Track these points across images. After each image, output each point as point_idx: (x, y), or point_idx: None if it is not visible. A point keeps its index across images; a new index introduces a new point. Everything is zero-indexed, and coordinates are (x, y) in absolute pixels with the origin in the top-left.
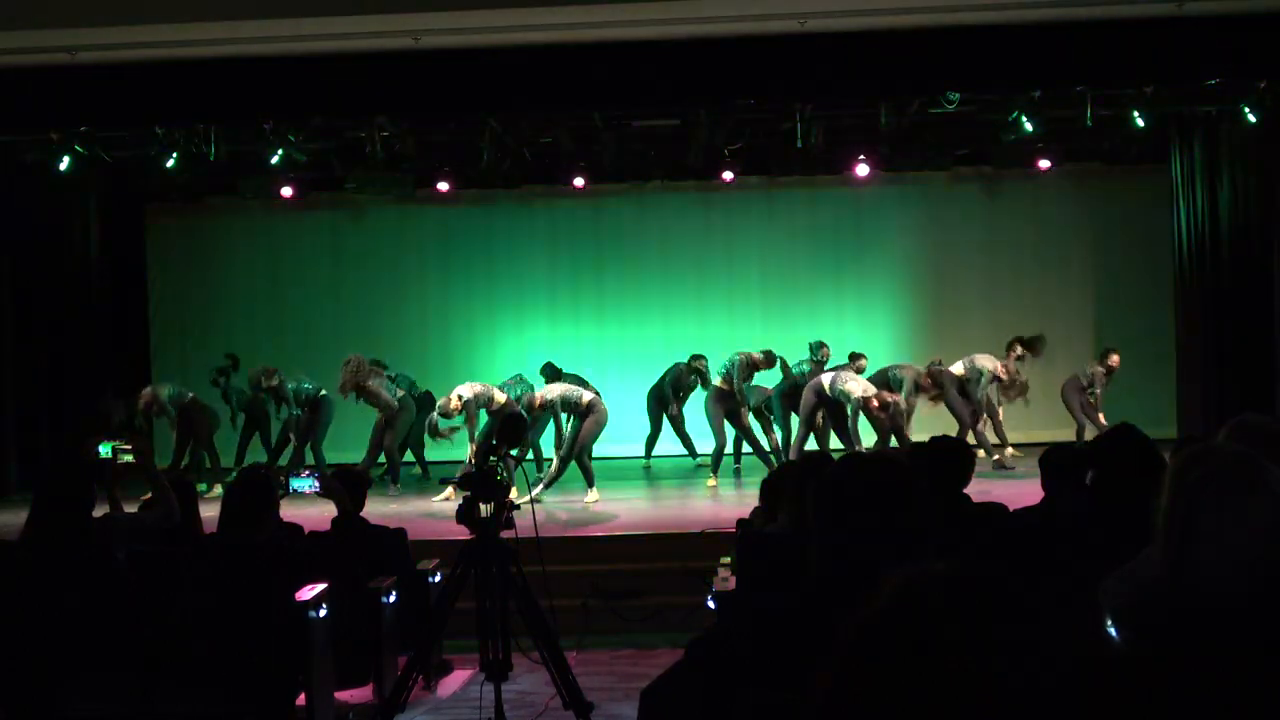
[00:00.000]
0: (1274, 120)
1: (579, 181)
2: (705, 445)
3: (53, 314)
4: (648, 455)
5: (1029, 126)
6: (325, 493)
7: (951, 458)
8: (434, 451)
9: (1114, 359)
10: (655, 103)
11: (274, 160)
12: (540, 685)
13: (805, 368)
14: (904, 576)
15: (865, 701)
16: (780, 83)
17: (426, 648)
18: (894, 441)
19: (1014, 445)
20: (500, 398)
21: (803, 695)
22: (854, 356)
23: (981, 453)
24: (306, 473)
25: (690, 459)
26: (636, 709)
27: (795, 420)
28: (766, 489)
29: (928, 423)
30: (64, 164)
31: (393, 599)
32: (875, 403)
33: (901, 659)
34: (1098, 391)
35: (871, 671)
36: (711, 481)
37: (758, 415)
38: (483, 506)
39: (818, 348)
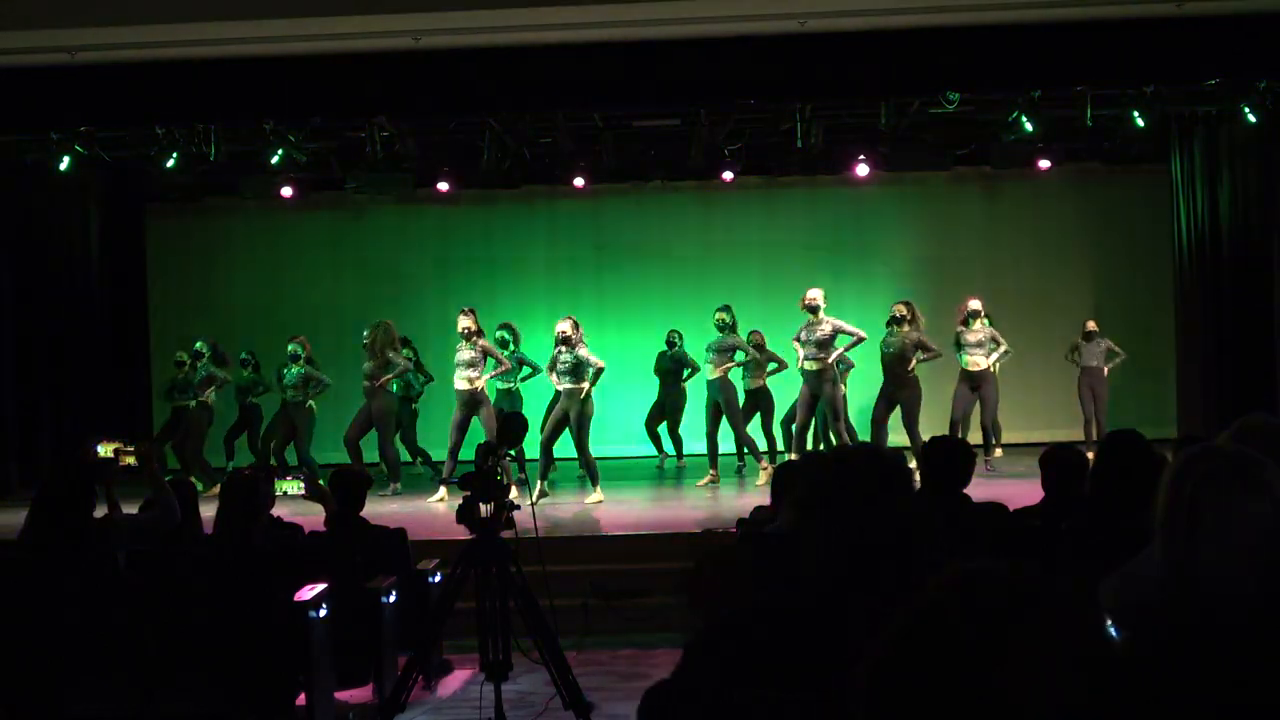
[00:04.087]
0: (1274, 120)
1: (579, 181)
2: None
3: (53, 314)
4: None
5: (1029, 126)
6: (311, 495)
7: (951, 458)
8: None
9: (1089, 325)
10: (655, 103)
11: (274, 160)
12: (540, 685)
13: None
14: (960, 576)
15: (913, 703)
16: (780, 83)
17: (426, 648)
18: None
19: (1014, 445)
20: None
21: (797, 694)
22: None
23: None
24: (292, 474)
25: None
26: (636, 709)
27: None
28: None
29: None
30: (64, 164)
31: (393, 599)
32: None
33: (953, 660)
34: (1093, 364)
35: (920, 673)
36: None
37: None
38: (483, 506)
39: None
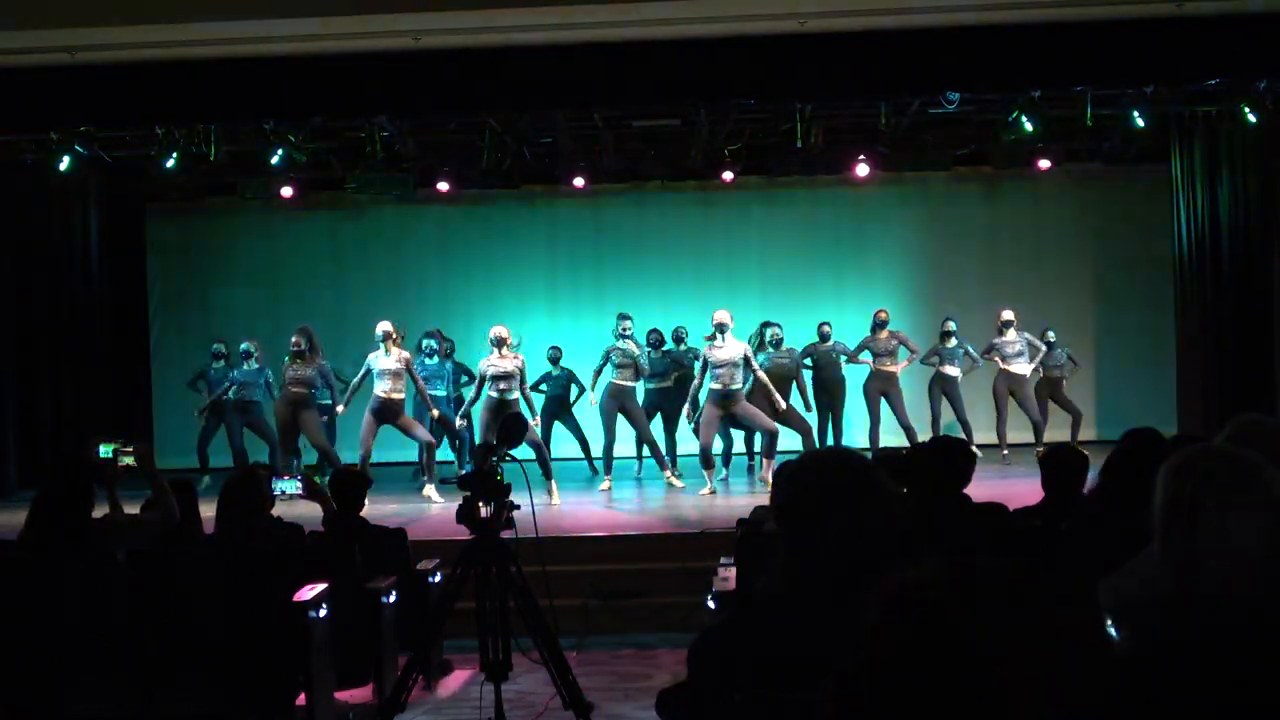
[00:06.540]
0: (1274, 120)
1: (579, 181)
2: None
3: (53, 314)
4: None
5: (1029, 126)
6: (309, 494)
7: (951, 458)
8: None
9: (1048, 334)
10: (655, 103)
11: (274, 160)
12: (540, 685)
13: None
14: (960, 576)
15: (913, 703)
16: (780, 83)
17: (426, 648)
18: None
19: (1015, 445)
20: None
21: (797, 694)
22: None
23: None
24: (290, 474)
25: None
26: (637, 709)
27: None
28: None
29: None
30: (64, 164)
31: (393, 599)
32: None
33: (953, 660)
34: (1055, 374)
35: (921, 673)
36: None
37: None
38: (482, 506)
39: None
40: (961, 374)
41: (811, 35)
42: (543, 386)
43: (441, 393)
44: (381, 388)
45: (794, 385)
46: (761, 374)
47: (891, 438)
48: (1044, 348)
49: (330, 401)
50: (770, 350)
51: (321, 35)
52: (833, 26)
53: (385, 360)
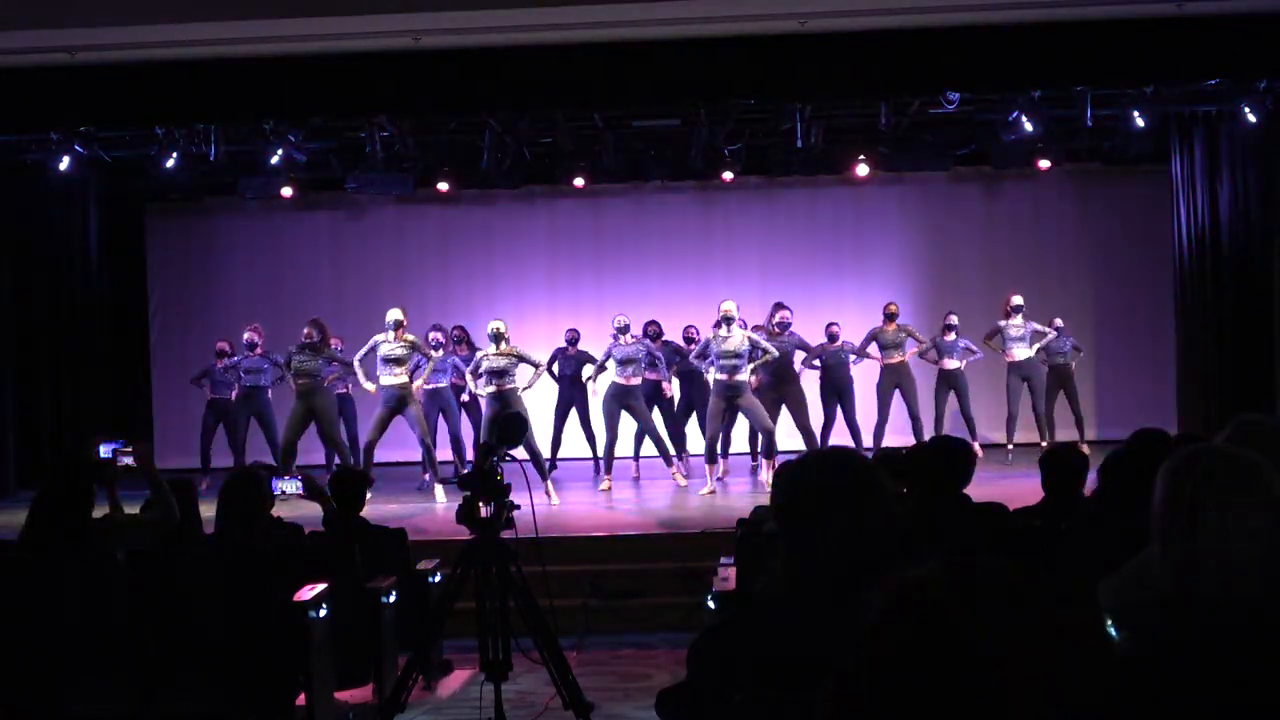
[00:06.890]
0: (1274, 120)
1: (579, 181)
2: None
3: (53, 314)
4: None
5: (1029, 126)
6: (309, 494)
7: (952, 458)
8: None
9: (1057, 320)
10: (655, 103)
11: (274, 160)
12: (540, 685)
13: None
14: (960, 576)
15: (913, 703)
16: (780, 83)
17: (426, 648)
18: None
19: (1018, 444)
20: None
21: (797, 694)
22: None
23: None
24: (290, 473)
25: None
26: (637, 709)
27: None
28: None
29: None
30: (64, 164)
31: (393, 599)
32: None
33: (953, 660)
34: (1059, 361)
35: (920, 673)
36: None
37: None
38: (482, 506)
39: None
40: (962, 365)
41: (811, 35)
42: (553, 367)
43: (444, 385)
44: (387, 374)
45: (793, 367)
46: (772, 349)
47: (897, 438)
48: (1050, 334)
49: (345, 390)
50: (776, 332)
51: (321, 35)
52: (833, 26)
53: (392, 346)
